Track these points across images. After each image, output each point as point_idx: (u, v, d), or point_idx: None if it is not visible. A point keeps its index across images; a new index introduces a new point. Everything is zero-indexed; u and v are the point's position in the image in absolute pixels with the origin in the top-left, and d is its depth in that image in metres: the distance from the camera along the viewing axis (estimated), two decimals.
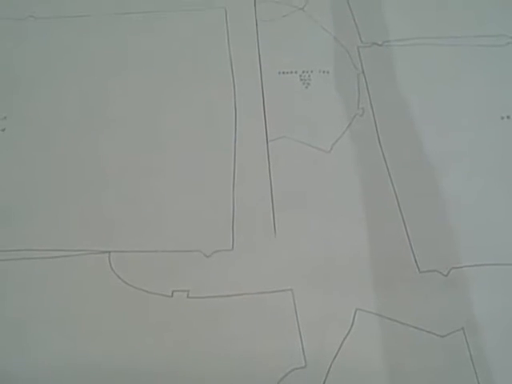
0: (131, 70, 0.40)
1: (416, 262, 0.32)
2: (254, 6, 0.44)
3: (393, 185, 0.35)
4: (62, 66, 0.40)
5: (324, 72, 0.40)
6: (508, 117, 0.38)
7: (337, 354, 0.29)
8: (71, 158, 0.36)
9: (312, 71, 0.40)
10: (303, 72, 0.40)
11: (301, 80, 0.40)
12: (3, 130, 0.37)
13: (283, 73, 0.40)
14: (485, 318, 0.31)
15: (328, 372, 0.29)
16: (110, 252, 0.32)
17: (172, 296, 0.31)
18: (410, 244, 0.33)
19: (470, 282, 0.32)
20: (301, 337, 0.30)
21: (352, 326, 0.30)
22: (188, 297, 0.31)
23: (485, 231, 0.33)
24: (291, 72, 0.40)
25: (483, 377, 0.29)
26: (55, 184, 0.35)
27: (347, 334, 0.30)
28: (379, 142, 0.37)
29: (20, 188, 0.35)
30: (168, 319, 0.30)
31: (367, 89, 0.39)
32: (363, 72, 0.40)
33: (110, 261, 0.32)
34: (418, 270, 0.32)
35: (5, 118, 0.38)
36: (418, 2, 0.44)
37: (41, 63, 0.41)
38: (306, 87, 0.40)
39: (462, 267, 0.32)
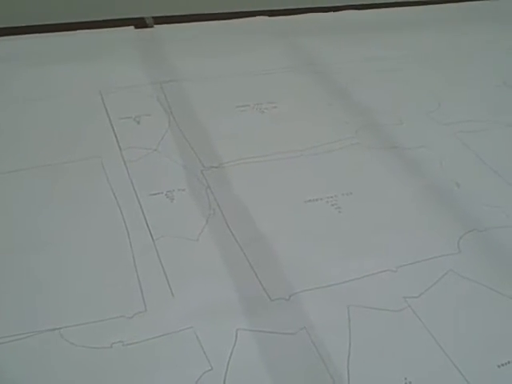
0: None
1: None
2: (120, 151, 0.60)
3: (242, 250, 0.51)
4: None
5: (182, 190, 0.57)
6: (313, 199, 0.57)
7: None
8: None
9: (174, 190, 0.56)
10: (167, 191, 0.56)
11: (167, 197, 0.56)
12: None
13: (152, 194, 0.56)
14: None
15: None
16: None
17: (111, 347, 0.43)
18: (261, 284, 0.49)
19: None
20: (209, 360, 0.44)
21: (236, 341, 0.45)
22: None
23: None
24: (159, 193, 0.56)
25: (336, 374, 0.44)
26: None
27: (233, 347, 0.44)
28: (228, 226, 0.53)
29: None
30: None
31: (213, 196, 0.56)
32: (209, 186, 0.57)
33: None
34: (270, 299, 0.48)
35: None
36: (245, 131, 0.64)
37: None
38: (172, 202, 0.56)
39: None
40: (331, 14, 0.88)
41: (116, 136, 0.62)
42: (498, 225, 0.57)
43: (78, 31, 0.80)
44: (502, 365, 0.45)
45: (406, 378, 0.44)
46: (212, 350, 0.44)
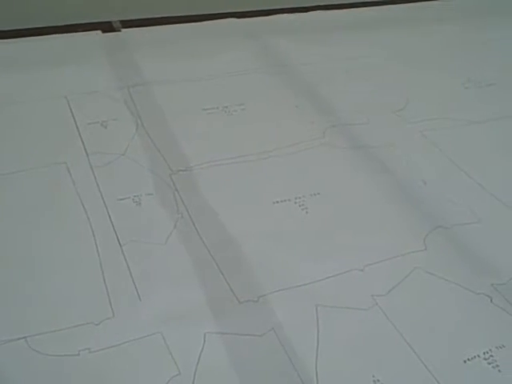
0: None
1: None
2: (87, 157, 0.60)
3: (210, 253, 0.51)
4: None
5: (150, 194, 0.57)
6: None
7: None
8: None
9: (141, 195, 0.56)
10: (135, 196, 0.56)
11: (134, 202, 0.56)
12: None
13: (120, 199, 0.56)
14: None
15: None
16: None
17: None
18: (230, 286, 0.49)
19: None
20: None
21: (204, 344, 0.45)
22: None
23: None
24: (126, 198, 0.56)
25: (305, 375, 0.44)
26: None
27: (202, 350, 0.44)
28: (196, 229, 0.53)
29: None
30: None
31: (181, 200, 0.56)
32: (177, 190, 0.57)
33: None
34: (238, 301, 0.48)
35: None
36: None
37: None
38: (139, 206, 0.55)
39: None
40: (299, 14, 0.88)
41: (83, 141, 0.62)
42: (464, 222, 0.57)
43: (44, 36, 0.79)
44: (468, 360, 0.46)
45: (373, 376, 0.44)
46: (180, 355, 0.44)
